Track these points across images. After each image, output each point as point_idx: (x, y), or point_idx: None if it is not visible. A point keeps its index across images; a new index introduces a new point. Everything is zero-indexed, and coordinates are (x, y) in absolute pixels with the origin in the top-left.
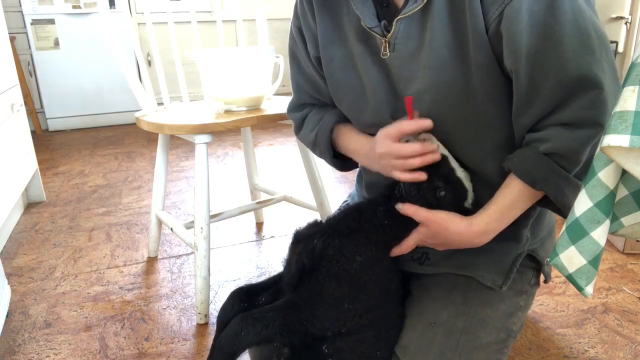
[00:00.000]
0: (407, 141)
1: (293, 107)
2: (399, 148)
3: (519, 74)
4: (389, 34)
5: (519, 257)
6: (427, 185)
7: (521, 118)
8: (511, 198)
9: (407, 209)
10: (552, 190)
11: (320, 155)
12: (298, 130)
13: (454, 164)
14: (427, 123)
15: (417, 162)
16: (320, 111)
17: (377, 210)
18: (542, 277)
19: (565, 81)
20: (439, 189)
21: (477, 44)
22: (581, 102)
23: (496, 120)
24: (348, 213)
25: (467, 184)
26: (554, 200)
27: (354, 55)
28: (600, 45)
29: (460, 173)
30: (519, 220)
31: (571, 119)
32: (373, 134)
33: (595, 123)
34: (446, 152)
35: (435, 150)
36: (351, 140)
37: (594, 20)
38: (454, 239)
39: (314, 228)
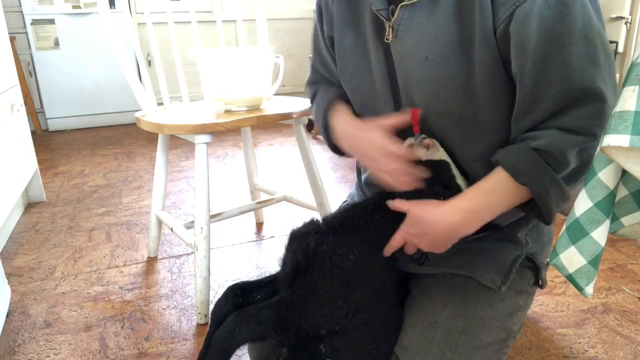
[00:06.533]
0: (411, 145)
1: (308, 83)
2: (386, 145)
3: (523, 78)
4: (393, 19)
5: (518, 258)
6: (427, 191)
7: (521, 121)
8: (491, 183)
9: (396, 202)
10: (535, 186)
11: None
12: (311, 107)
13: (454, 170)
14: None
15: (408, 179)
16: (325, 90)
17: (369, 205)
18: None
19: (569, 90)
20: (439, 195)
21: (484, 42)
22: (581, 112)
23: (493, 121)
24: (343, 211)
25: None
26: (536, 198)
27: (365, 38)
28: (605, 58)
29: (460, 181)
30: (516, 223)
31: (568, 126)
32: None
33: (591, 133)
34: (448, 158)
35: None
36: (338, 119)
37: (601, 33)
38: (430, 219)
39: (309, 226)
